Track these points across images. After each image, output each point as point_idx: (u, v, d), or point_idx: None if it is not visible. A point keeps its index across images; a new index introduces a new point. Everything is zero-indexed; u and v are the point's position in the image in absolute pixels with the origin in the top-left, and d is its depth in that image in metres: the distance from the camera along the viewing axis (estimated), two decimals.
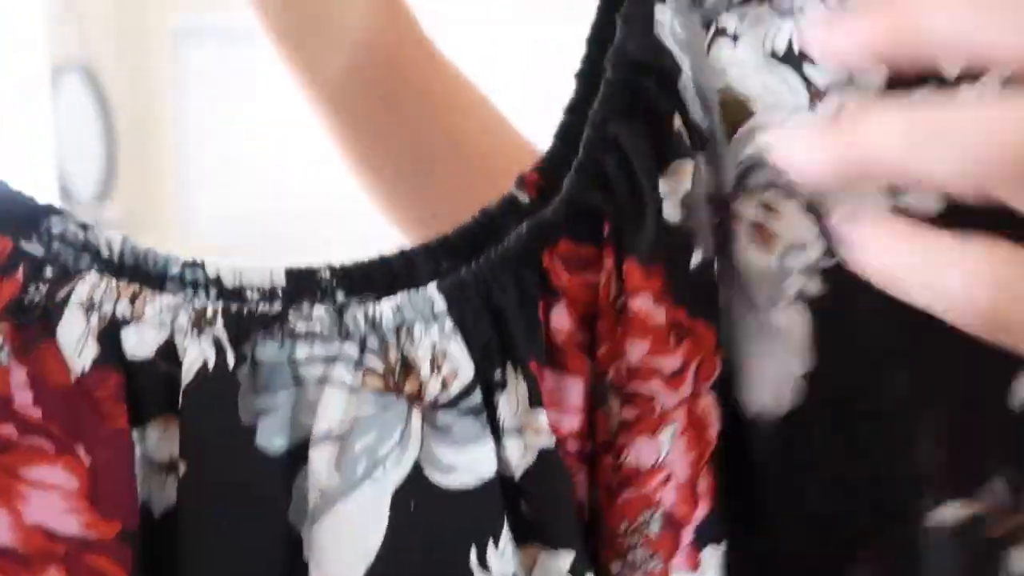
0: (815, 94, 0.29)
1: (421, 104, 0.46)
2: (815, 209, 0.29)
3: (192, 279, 0.33)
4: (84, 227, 0.33)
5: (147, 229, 2.35)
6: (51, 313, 0.31)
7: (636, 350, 0.29)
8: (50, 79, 2.17)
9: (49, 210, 0.32)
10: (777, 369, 0.31)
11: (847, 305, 0.29)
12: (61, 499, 0.28)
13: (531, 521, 0.29)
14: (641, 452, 0.31)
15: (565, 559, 0.29)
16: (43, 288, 0.31)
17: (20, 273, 0.31)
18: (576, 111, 0.33)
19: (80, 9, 2.21)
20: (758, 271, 0.31)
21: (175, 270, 0.34)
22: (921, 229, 0.19)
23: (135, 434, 0.30)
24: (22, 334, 0.30)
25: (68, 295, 0.31)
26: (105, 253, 0.33)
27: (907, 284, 0.18)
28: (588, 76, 0.33)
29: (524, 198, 0.33)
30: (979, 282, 0.17)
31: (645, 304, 0.29)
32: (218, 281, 0.33)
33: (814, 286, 0.30)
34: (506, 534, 0.29)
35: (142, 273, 0.33)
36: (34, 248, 0.32)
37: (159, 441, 0.30)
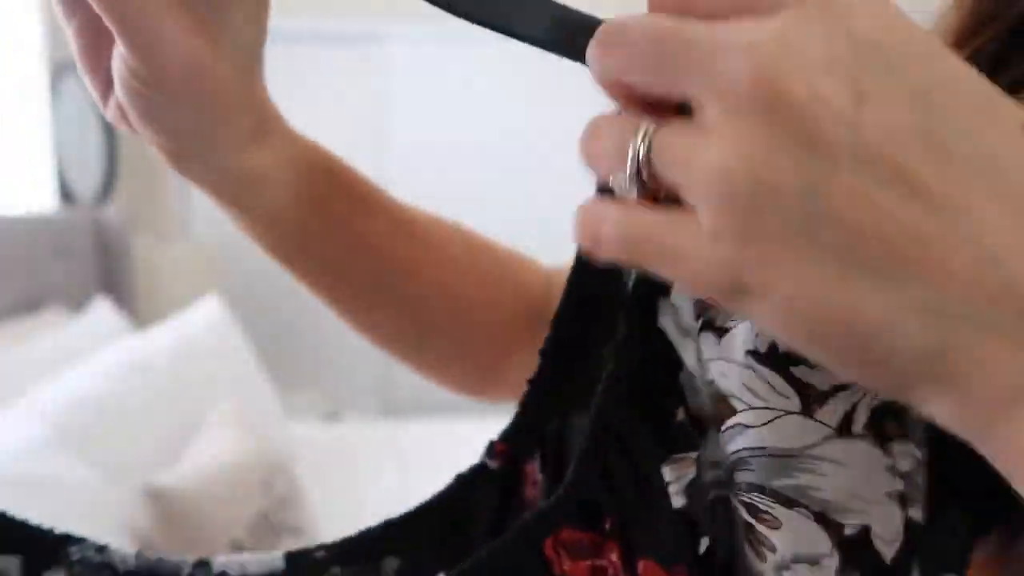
0: (814, 398, 0.27)
1: (380, 264, 0.44)
2: (827, 520, 0.28)
3: None
4: (100, 549, 0.35)
5: (147, 229, 2.36)
6: None
7: None
8: (49, 79, 2.16)
9: (68, 539, 0.35)
10: None
11: None
12: None
13: None
14: None
15: None
16: None
17: None
18: (538, 383, 0.33)
19: None
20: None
21: (186, 572, 0.36)
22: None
23: None
24: None
25: None
26: (121, 568, 0.35)
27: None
28: (551, 354, 0.33)
29: (493, 465, 0.34)
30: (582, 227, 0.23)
31: None
32: None
33: None
34: None
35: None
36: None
37: None
